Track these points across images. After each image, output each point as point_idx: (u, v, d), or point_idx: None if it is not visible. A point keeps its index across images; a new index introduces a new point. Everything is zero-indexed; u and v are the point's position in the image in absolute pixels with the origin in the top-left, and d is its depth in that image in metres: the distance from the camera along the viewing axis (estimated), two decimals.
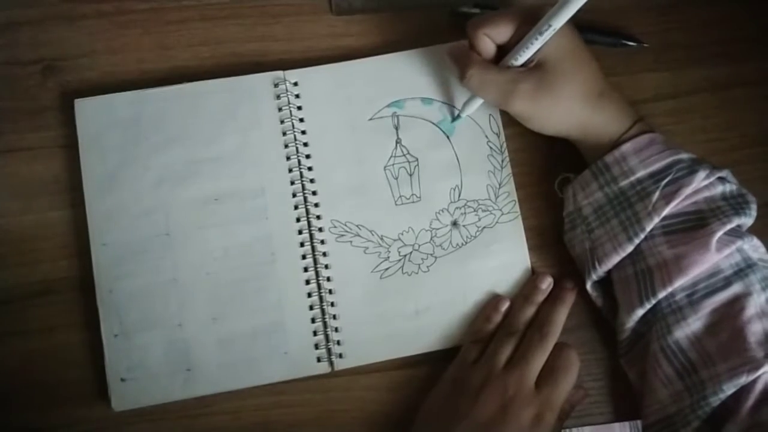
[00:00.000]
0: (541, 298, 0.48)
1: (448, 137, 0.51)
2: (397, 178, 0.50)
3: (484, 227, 0.50)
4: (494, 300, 0.49)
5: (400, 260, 0.49)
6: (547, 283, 0.49)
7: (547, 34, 0.42)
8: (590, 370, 0.49)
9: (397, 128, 0.51)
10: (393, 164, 0.50)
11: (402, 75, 0.51)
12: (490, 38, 0.46)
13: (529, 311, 0.48)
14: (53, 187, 0.50)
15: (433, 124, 0.51)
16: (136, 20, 0.52)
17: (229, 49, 0.52)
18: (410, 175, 0.50)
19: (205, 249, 0.49)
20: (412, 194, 0.50)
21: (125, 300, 0.48)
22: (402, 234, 0.50)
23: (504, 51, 0.46)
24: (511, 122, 0.51)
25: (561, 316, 0.47)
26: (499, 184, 0.50)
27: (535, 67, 0.45)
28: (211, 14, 0.52)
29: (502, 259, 0.50)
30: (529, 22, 0.44)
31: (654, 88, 0.52)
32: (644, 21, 0.53)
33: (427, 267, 0.49)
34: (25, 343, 0.48)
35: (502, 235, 0.50)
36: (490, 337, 0.47)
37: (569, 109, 0.45)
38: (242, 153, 0.50)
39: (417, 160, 0.51)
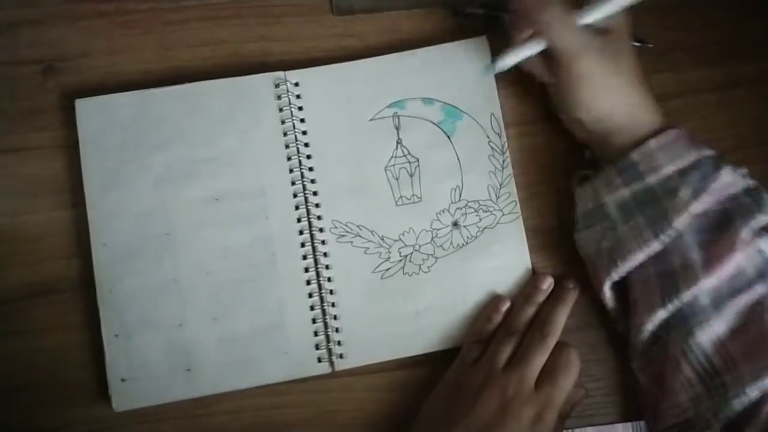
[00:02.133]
0: (541, 298, 0.48)
1: (449, 137, 0.51)
2: (397, 179, 0.50)
3: (485, 228, 0.50)
4: (495, 300, 0.49)
5: (400, 261, 0.49)
6: (547, 284, 0.49)
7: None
8: (592, 370, 0.49)
9: (397, 128, 0.51)
10: (394, 164, 0.50)
11: (403, 75, 0.51)
12: None
13: (530, 311, 0.48)
14: (53, 187, 0.50)
15: (434, 124, 0.51)
16: (137, 20, 0.52)
17: (230, 49, 0.52)
18: (411, 176, 0.50)
19: (206, 249, 0.49)
20: (413, 195, 0.50)
21: (126, 300, 0.48)
22: (403, 234, 0.50)
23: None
24: (512, 122, 0.51)
25: (562, 316, 0.47)
26: (500, 185, 0.50)
27: (602, 31, 0.45)
28: (211, 14, 0.52)
29: (503, 259, 0.50)
30: None
31: (656, 89, 0.51)
32: (646, 21, 0.53)
33: (428, 267, 0.49)
34: (25, 343, 0.48)
35: (502, 236, 0.50)
36: (490, 337, 0.47)
37: (618, 91, 0.45)
38: (243, 153, 0.50)
39: (418, 160, 0.50)
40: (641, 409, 0.48)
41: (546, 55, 0.46)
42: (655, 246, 0.43)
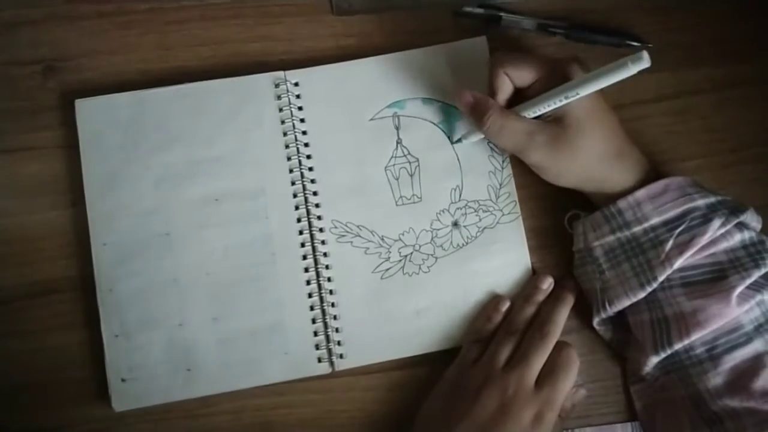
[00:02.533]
0: (541, 298, 0.48)
1: (448, 137, 0.51)
2: (397, 179, 0.50)
3: (485, 228, 0.50)
4: (495, 300, 0.49)
5: (400, 261, 0.49)
6: (547, 284, 0.49)
7: (572, 99, 0.42)
8: (591, 371, 0.49)
9: (397, 128, 0.51)
10: (394, 164, 0.50)
11: (403, 75, 0.51)
12: (510, 79, 0.45)
13: (530, 311, 0.48)
14: (53, 187, 0.50)
15: (434, 124, 0.51)
16: (137, 20, 0.52)
17: (230, 49, 0.52)
18: (411, 176, 0.50)
19: (206, 249, 0.49)
20: (413, 195, 0.50)
21: (126, 300, 0.48)
22: (403, 234, 0.50)
23: (520, 95, 0.46)
24: None
25: (562, 316, 0.47)
26: (500, 185, 0.50)
27: (553, 120, 0.44)
28: (211, 14, 0.52)
29: (503, 259, 0.50)
30: (555, 76, 0.43)
31: (655, 89, 0.52)
32: (645, 21, 0.53)
33: (428, 267, 0.49)
34: (25, 343, 0.48)
35: (502, 236, 0.50)
36: (490, 337, 0.47)
37: (585, 166, 0.45)
38: (243, 153, 0.50)
39: (418, 160, 0.51)
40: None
41: None
42: (640, 294, 0.44)
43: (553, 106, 0.43)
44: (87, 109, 0.49)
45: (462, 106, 0.47)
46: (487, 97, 0.46)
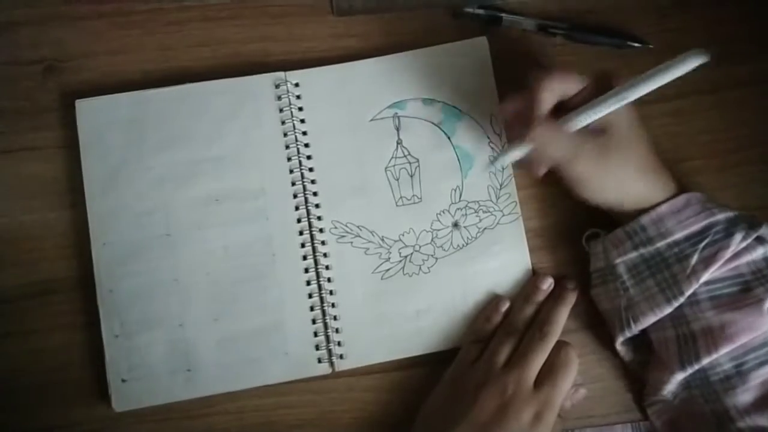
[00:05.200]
0: (541, 298, 0.48)
1: (449, 138, 0.51)
2: (398, 179, 0.50)
3: (485, 228, 0.50)
4: (494, 300, 0.49)
5: (400, 261, 0.49)
6: (547, 284, 0.49)
7: (618, 105, 0.41)
8: (591, 370, 0.49)
9: (398, 129, 0.51)
10: (394, 165, 0.50)
11: (403, 76, 0.51)
12: (553, 93, 0.44)
13: (529, 311, 0.48)
14: (53, 187, 0.50)
15: (434, 124, 0.51)
16: (137, 21, 0.52)
17: (230, 49, 0.52)
18: (411, 176, 0.50)
19: (206, 249, 0.49)
20: (413, 195, 0.50)
21: (126, 300, 0.48)
22: (403, 235, 0.50)
23: (561, 107, 0.45)
24: None
25: (561, 316, 0.47)
26: (500, 185, 0.50)
27: (599, 131, 0.44)
28: (211, 15, 0.52)
29: (503, 260, 0.50)
30: (599, 86, 0.43)
31: (655, 90, 0.52)
32: (645, 22, 0.53)
33: (428, 268, 0.49)
34: (25, 343, 0.48)
35: (502, 236, 0.50)
36: (490, 337, 0.47)
37: (624, 180, 0.44)
38: (243, 153, 0.50)
39: (418, 161, 0.51)
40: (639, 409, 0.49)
41: None
42: (667, 310, 0.43)
43: (598, 115, 0.42)
44: (87, 110, 0.49)
45: (503, 117, 0.46)
46: (532, 107, 0.44)
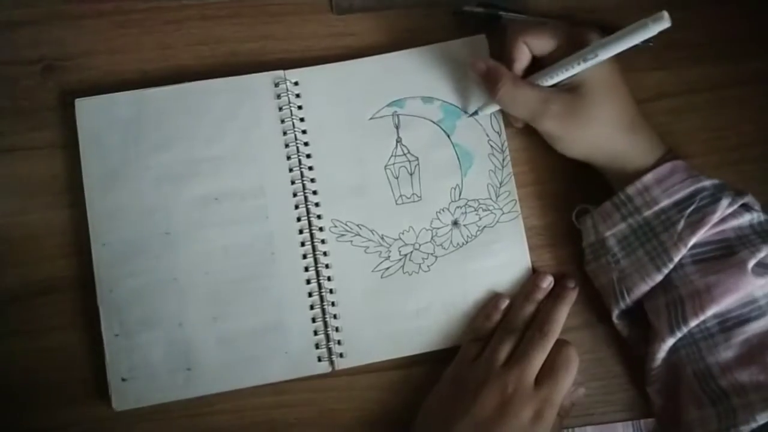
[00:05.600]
0: (541, 296, 0.48)
1: (448, 136, 0.51)
2: (397, 178, 0.50)
3: (485, 226, 0.50)
4: (494, 298, 0.49)
5: (400, 260, 0.49)
6: (547, 282, 0.49)
7: (591, 63, 0.42)
8: (591, 369, 0.49)
9: (397, 127, 0.51)
10: (393, 163, 0.50)
11: (402, 74, 0.51)
12: (529, 48, 0.45)
13: (529, 309, 0.48)
14: (53, 187, 0.50)
15: (434, 123, 0.51)
16: (136, 20, 0.52)
17: (229, 48, 0.52)
18: (411, 175, 0.50)
19: (206, 248, 0.49)
20: (413, 193, 0.50)
21: (126, 299, 0.48)
22: (402, 233, 0.50)
23: (537, 63, 0.46)
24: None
25: (562, 314, 0.47)
26: (500, 183, 0.50)
27: (568, 88, 0.44)
28: (211, 13, 0.52)
29: (503, 258, 0.50)
30: (574, 42, 0.43)
31: (655, 87, 0.52)
32: None
33: (428, 266, 0.49)
34: (25, 343, 0.48)
35: (502, 235, 0.50)
36: (490, 335, 0.47)
37: (598, 136, 0.45)
38: (242, 152, 0.50)
39: (417, 159, 0.50)
40: (640, 408, 0.48)
41: None
42: (658, 278, 0.44)
43: (571, 71, 0.43)
44: (87, 109, 0.49)
45: (475, 74, 0.47)
46: (500, 65, 0.46)
